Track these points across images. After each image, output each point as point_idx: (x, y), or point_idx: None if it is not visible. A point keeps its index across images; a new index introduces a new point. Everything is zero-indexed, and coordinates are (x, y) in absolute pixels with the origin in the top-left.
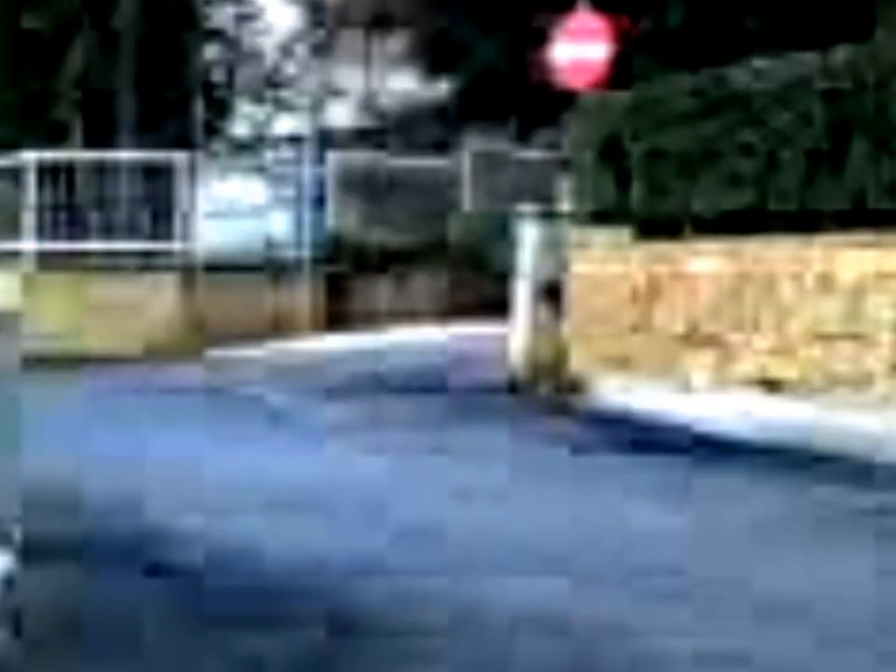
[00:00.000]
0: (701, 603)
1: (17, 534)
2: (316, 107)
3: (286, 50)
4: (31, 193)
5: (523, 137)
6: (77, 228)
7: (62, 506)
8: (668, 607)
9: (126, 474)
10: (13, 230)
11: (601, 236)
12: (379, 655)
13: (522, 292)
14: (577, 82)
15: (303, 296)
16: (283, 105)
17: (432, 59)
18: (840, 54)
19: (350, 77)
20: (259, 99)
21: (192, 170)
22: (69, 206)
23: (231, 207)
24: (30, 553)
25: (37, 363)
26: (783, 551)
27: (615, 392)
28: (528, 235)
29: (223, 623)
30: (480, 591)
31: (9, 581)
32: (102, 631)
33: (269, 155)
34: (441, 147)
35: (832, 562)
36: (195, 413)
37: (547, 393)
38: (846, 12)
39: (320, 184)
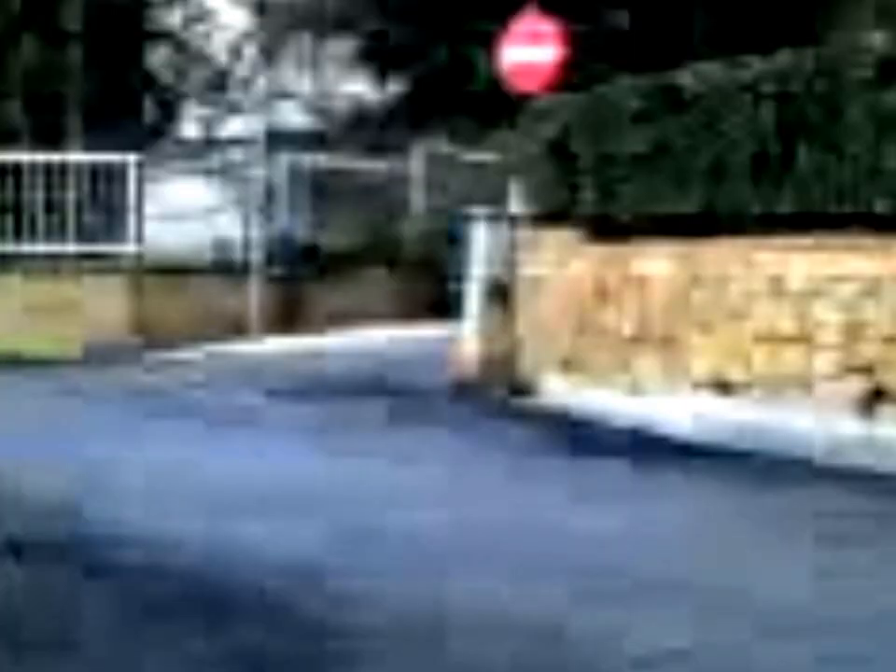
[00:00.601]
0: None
1: None
2: (265, 110)
3: (234, 52)
4: None
5: (473, 140)
6: (23, 230)
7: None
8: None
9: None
10: None
11: (551, 238)
12: None
13: (472, 294)
14: (526, 85)
15: (253, 298)
16: (232, 107)
17: (381, 61)
18: (786, 57)
19: (299, 80)
20: (207, 101)
21: (141, 172)
22: (15, 208)
23: (180, 209)
24: None
25: None
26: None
27: (564, 394)
28: (478, 237)
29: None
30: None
31: None
32: None
33: (218, 157)
34: (392, 150)
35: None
36: (133, 414)
37: (497, 395)
38: (789, 15)
39: (270, 186)
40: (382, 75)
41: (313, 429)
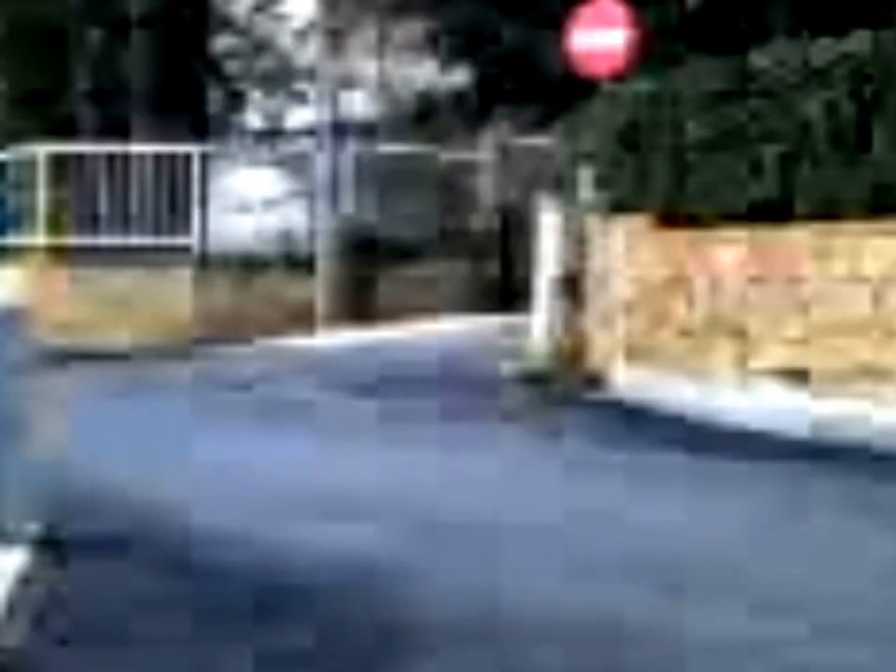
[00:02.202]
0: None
1: (33, 531)
2: (331, 99)
3: (300, 41)
4: (41, 187)
5: (543, 126)
6: (89, 221)
7: None
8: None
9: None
10: (26, 224)
11: (621, 226)
12: None
13: (542, 283)
14: (597, 69)
15: (320, 290)
16: (297, 97)
17: (451, 47)
18: (865, 39)
19: (367, 67)
20: (273, 90)
21: (205, 163)
22: (81, 200)
23: (246, 200)
24: None
25: (48, 358)
26: None
27: (635, 385)
28: (548, 225)
29: None
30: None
31: (26, 580)
32: None
33: (283, 147)
34: (460, 138)
35: None
36: (211, 409)
37: (569, 385)
38: None
39: (336, 176)
40: (449, 62)
41: (395, 423)
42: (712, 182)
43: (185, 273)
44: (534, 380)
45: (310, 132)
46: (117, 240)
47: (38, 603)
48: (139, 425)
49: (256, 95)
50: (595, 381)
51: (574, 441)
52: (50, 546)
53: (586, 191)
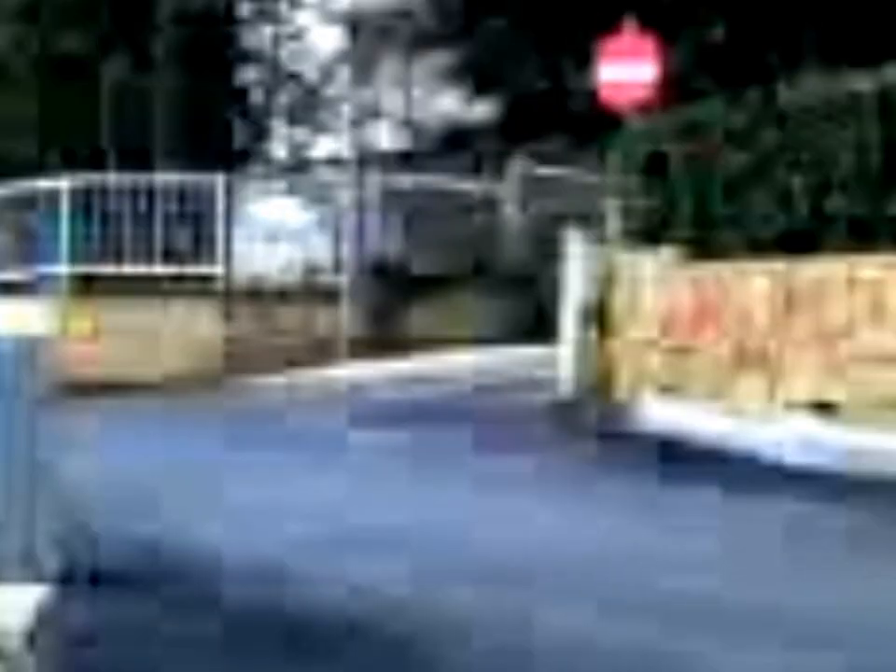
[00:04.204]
0: None
1: (52, 566)
2: (356, 130)
3: (325, 72)
4: (64, 217)
5: (569, 159)
6: (112, 252)
7: None
8: None
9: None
10: (52, 255)
11: (647, 259)
12: None
13: (568, 315)
14: (625, 101)
15: (345, 321)
16: (322, 127)
17: (475, 79)
18: (891, 70)
19: (391, 99)
20: (298, 121)
21: (230, 193)
22: (104, 230)
23: (271, 231)
24: None
25: (68, 390)
26: None
27: (662, 417)
28: (574, 258)
29: None
30: None
31: (45, 620)
32: None
33: (308, 178)
34: (485, 170)
35: None
36: (244, 442)
37: (595, 417)
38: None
39: (360, 207)
40: (475, 94)
41: (424, 457)
42: (741, 213)
43: (208, 304)
44: (562, 411)
45: (335, 162)
46: (140, 269)
47: (57, 640)
48: (170, 460)
49: (281, 125)
50: (623, 413)
51: (606, 475)
52: (74, 582)
53: (614, 223)
